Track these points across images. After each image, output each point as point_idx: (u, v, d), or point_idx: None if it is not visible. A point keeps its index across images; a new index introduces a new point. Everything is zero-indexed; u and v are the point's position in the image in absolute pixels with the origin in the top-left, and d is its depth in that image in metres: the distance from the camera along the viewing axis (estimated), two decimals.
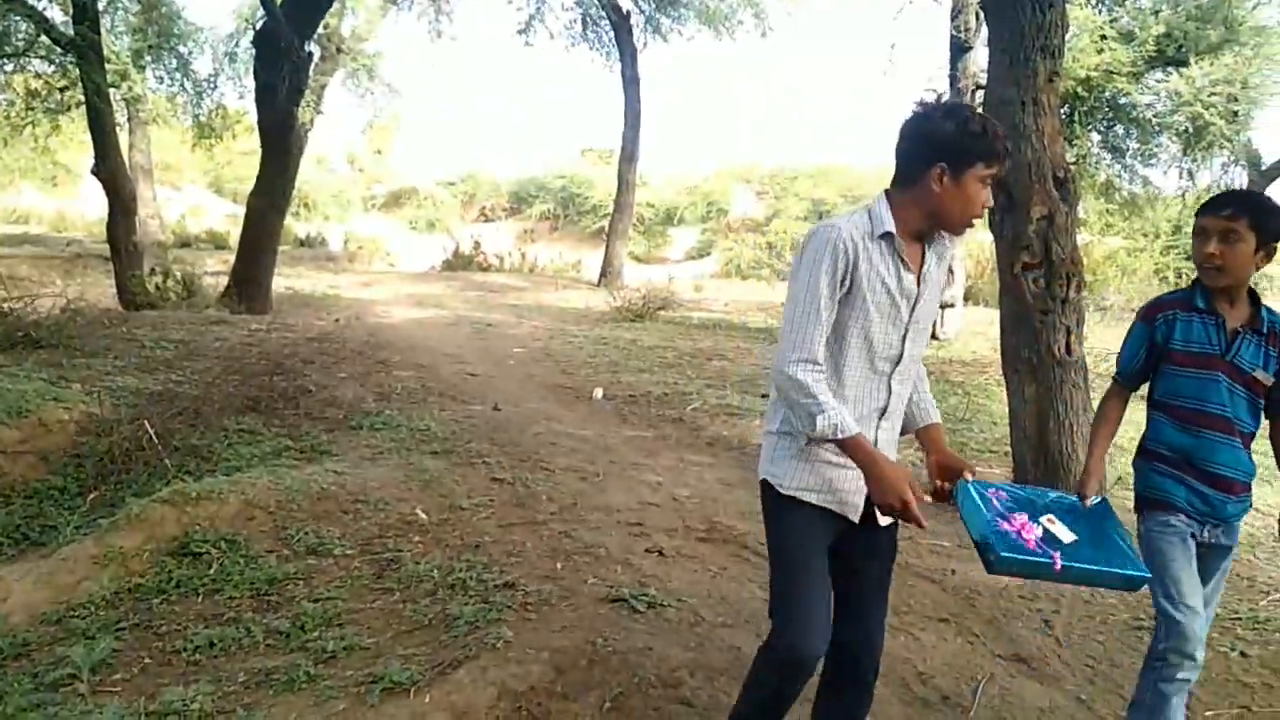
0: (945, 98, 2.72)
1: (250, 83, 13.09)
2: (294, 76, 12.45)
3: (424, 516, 5.02)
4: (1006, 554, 2.38)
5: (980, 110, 2.53)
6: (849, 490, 2.50)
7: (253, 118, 13.94)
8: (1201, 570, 2.93)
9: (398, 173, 35.56)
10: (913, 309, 2.49)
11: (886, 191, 2.51)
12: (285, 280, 15.25)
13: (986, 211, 2.53)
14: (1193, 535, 2.93)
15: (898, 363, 2.51)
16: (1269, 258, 2.79)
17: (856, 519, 2.53)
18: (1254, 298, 2.90)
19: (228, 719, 3.12)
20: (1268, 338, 2.85)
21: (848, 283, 2.40)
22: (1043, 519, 2.58)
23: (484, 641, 3.58)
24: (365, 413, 7.08)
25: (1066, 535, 2.55)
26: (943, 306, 12.45)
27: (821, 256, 2.38)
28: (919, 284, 2.50)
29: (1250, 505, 2.98)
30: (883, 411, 2.54)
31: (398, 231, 30.38)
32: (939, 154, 2.40)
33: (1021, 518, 2.52)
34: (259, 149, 13.36)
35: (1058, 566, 2.39)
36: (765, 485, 2.59)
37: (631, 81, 19.85)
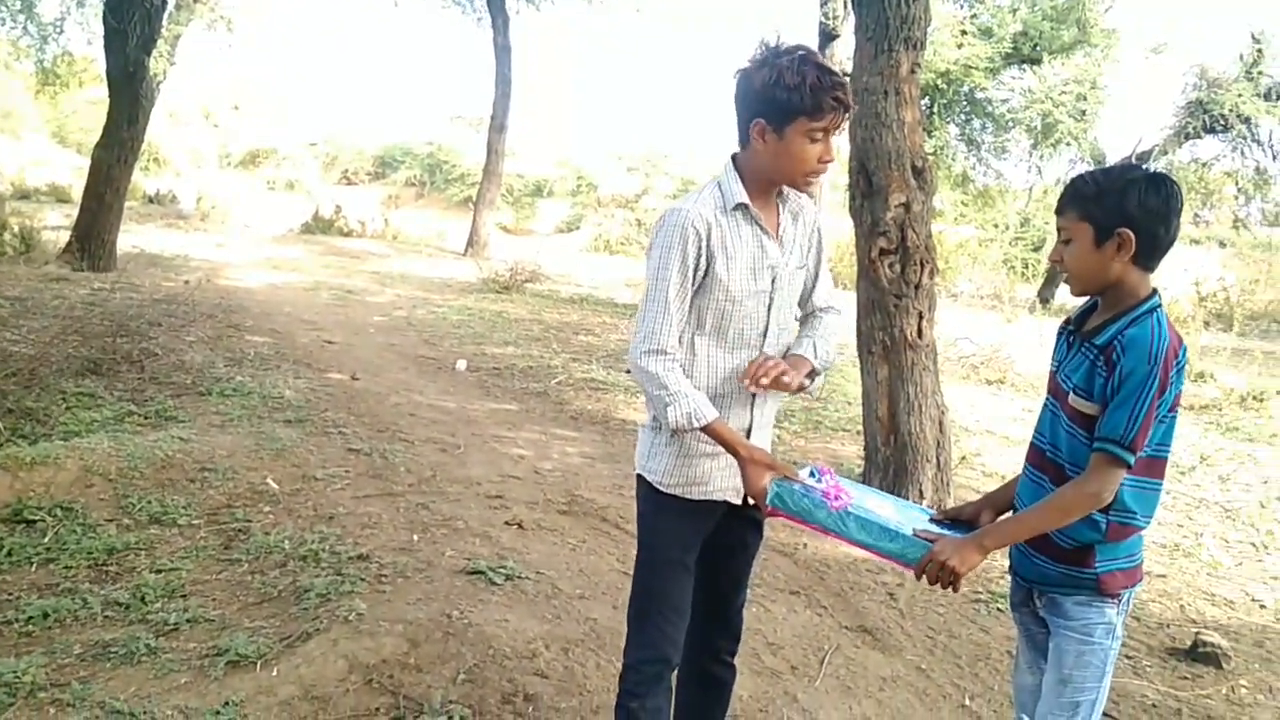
0: (784, 44, 2.39)
1: (99, 28, 12.37)
2: (146, 24, 11.84)
3: (275, 486, 4.89)
4: (780, 484, 2.27)
5: (813, 56, 2.26)
6: (729, 474, 2.40)
7: (101, 66, 13.21)
8: None
9: (256, 130, 34.22)
10: (775, 277, 2.39)
11: (734, 155, 2.39)
12: (132, 238, 14.53)
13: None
14: (1029, 607, 2.37)
15: (765, 336, 2.41)
16: (1126, 248, 2.10)
17: (739, 500, 2.46)
18: (1133, 308, 2.13)
19: (62, 692, 3.00)
20: (1103, 353, 2.11)
21: (703, 265, 2.29)
22: (871, 498, 2.39)
23: (335, 614, 3.52)
24: (215, 378, 6.84)
25: (880, 508, 2.32)
26: None
27: (672, 242, 2.27)
28: (780, 247, 2.40)
29: (1093, 582, 2.18)
30: None
31: (254, 191, 29.28)
32: (756, 109, 2.26)
33: (844, 487, 2.30)
34: (107, 99, 12.69)
35: (833, 506, 2.21)
36: (641, 481, 2.49)
37: (503, 49, 19.56)
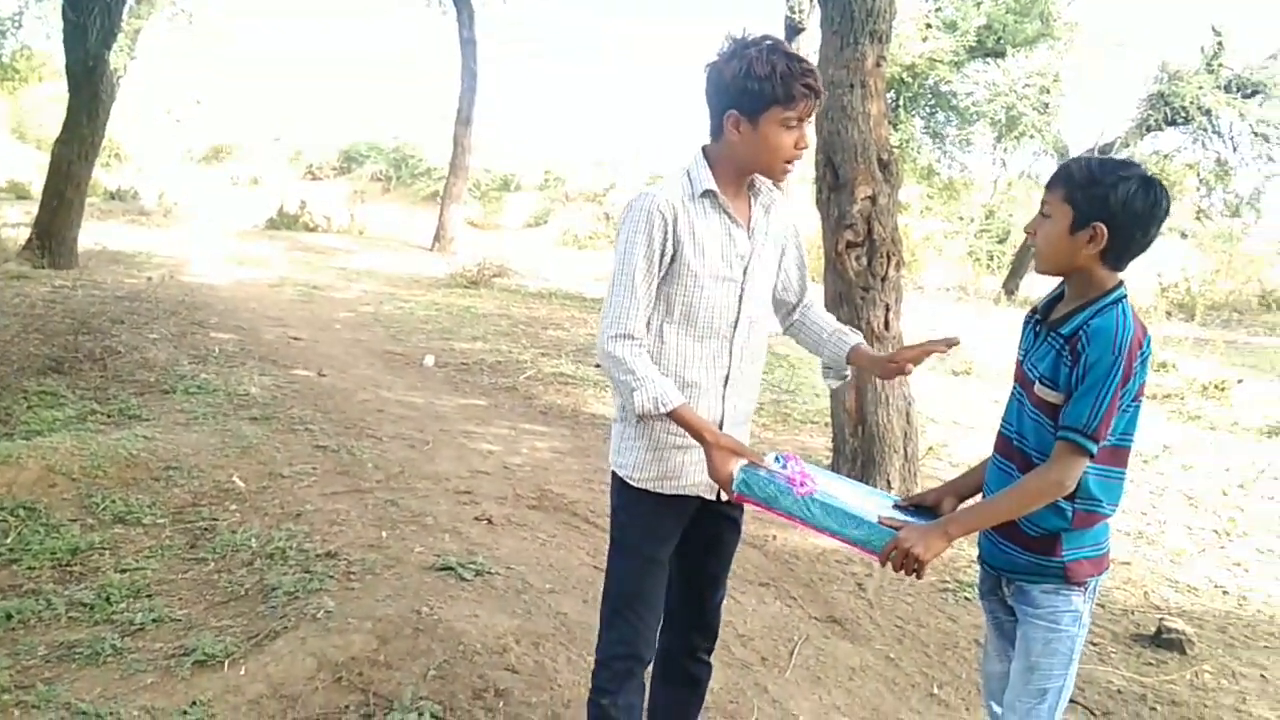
0: (752, 35, 2.34)
1: (58, 23, 12.17)
2: (105, 18, 11.66)
3: (241, 484, 4.85)
4: (747, 470, 2.24)
5: (781, 45, 2.29)
6: (702, 468, 2.34)
7: (60, 61, 13.01)
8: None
9: (219, 125, 33.86)
10: (746, 267, 2.38)
11: (704, 147, 2.39)
12: (93, 235, 14.31)
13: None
14: (997, 595, 2.39)
15: (736, 326, 2.39)
16: (1097, 242, 2.09)
17: (713, 495, 2.44)
18: (1099, 299, 2.14)
19: (27, 693, 2.97)
20: (1069, 343, 2.12)
21: (670, 250, 2.28)
22: (837, 485, 2.37)
23: (304, 612, 3.50)
24: (179, 376, 6.77)
25: (845, 494, 2.31)
26: None
27: (638, 228, 2.26)
28: (750, 239, 2.39)
29: (1060, 570, 2.19)
30: (726, 379, 2.40)
31: (218, 186, 28.98)
32: (729, 101, 2.26)
33: (810, 473, 2.28)
34: (66, 94, 12.51)
35: (798, 492, 2.19)
36: (614, 476, 2.48)
37: (468, 43, 19.43)
